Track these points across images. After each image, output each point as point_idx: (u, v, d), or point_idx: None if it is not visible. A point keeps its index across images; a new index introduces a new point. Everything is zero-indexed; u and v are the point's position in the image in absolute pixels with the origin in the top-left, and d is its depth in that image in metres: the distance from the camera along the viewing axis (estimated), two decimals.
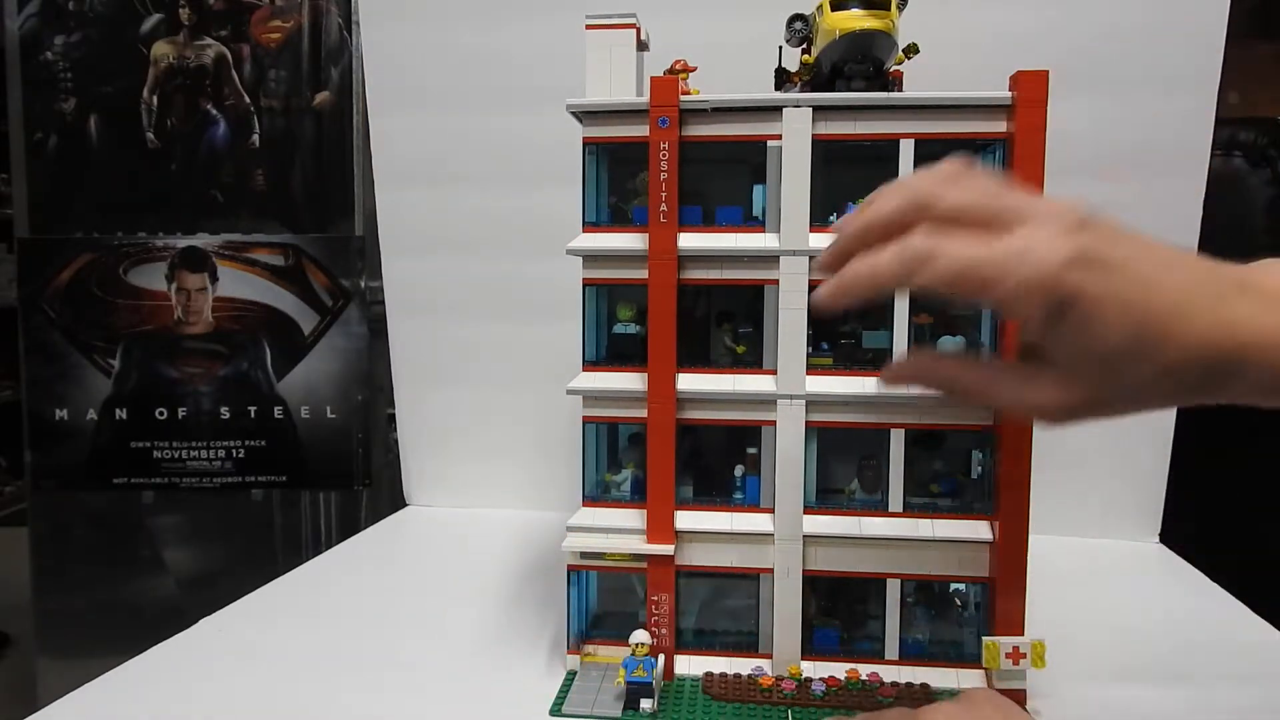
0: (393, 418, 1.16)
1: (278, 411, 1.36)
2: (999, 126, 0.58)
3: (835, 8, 0.56)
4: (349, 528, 1.33)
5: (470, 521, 1.04)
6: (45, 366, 1.38)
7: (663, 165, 0.58)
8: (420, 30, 1.00)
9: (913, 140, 0.58)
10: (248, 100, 1.37)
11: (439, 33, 0.99)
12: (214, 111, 1.37)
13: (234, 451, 1.37)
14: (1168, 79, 0.89)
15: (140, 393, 1.37)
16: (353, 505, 1.37)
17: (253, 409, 1.36)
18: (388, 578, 0.87)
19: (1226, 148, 1.25)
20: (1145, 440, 0.96)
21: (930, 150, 0.59)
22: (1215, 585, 0.84)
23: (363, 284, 1.36)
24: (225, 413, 1.37)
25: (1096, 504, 0.98)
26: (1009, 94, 0.57)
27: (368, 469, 1.37)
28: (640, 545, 0.60)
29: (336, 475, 1.37)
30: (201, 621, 0.73)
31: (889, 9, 0.56)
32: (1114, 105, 0.89)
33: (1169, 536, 0.98)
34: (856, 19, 0.55)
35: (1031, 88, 0.56)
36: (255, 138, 1.37)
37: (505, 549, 0.92)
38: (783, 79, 0.65)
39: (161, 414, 1.37)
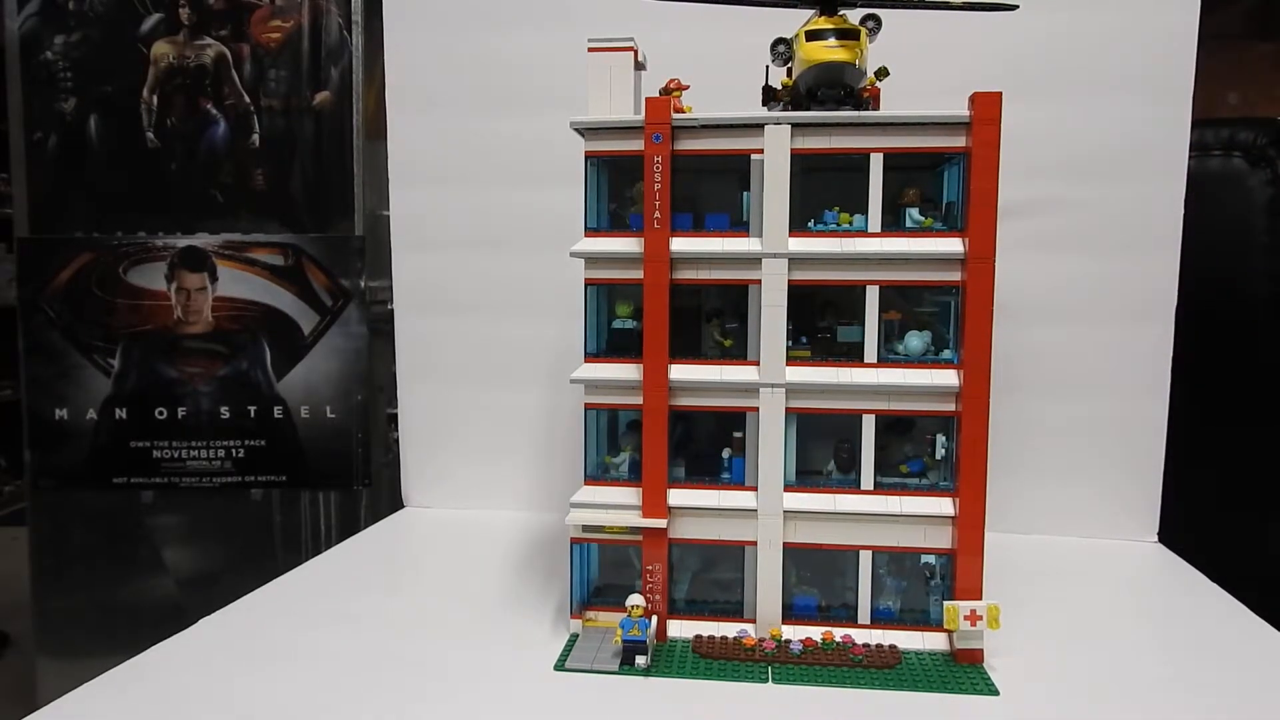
0: (392, 418, 1.28)
1: (277, 411, 1.49)
2: (959, 141, 0.71)
3: (810, 38, 0.69)
4: (349, 528, 1.45)
5: (469, 523, 1.13)
6: (45, 366, 1.50)
7: (656, 177, 0.71)
8: (439, 35, 1.14)
9: (881, 154, 0.71)
10: (248, 100, 1.49)
11: (457, 37, 1.13)
12: (214, 111, 1.49)
13: (234, 451, 1.49)
14: (1142, 83, 1.01)
15: (140, 392, 1.49)
16: (352, 505, 1.50)
17: (252, 409, 1.49)
18: (387, 578, 0.95)
19: (1226, 148, 1.37)
20: (1140, 439, 1.06)
21: (898, 161, 0.72)
22: (1214, 585, 0.91)
23: (363, 284, 1.48)
24: (225, 412, 1.49)
25: (1094, 504, 1.07)
26: (966, 113, 0.70)
27: (367, 469, 1.49)
28: (636, 519, 0.73)
29: (336, 475, 1.49)
30: (201, 621, 0.79)
31: (858, 39, 0.69)
32: (1090, 110, 1.02)
33: (1168, 536, 1.06)
34: (827, 51, 0.68)
35: (986, 107, 0.69)
36: (255, 137, 1.48)
37: (505, 549, 1.01)
38: (769, 96, 0.78)
39: (161, 414, 1.49)
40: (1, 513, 2.10)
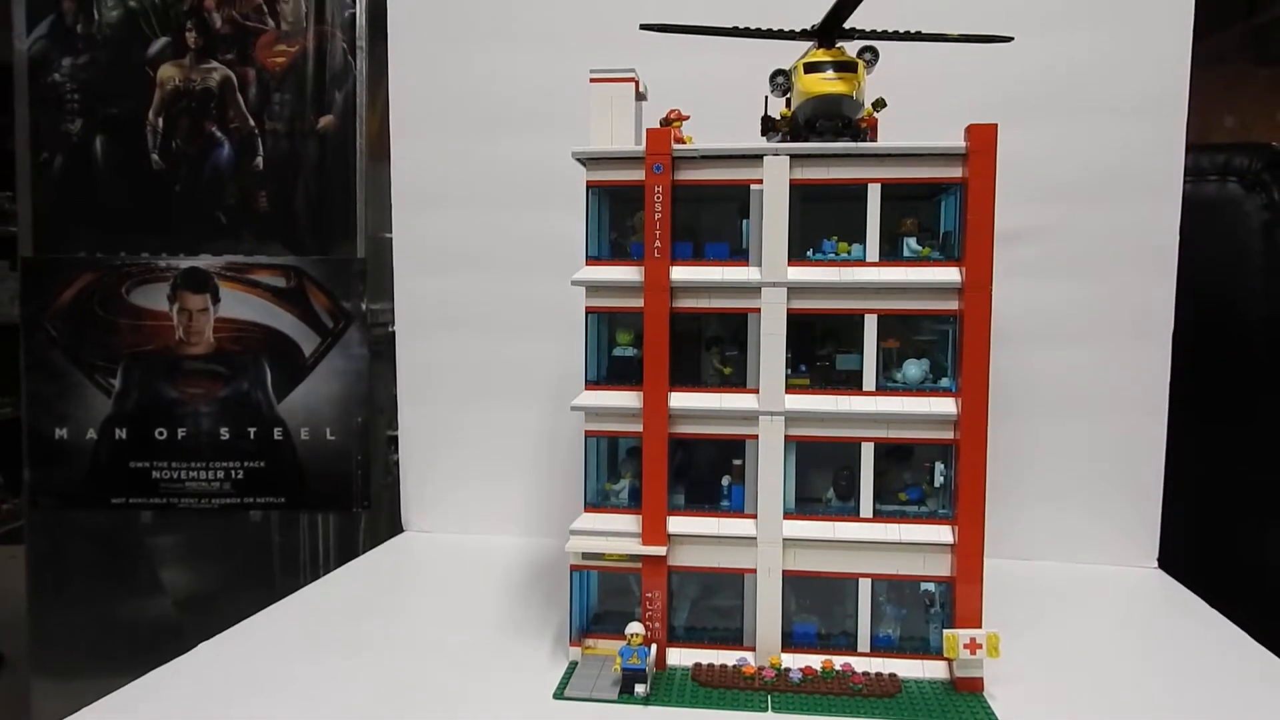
0: (392, 440, 1.28)
1: (277, 433, 1.49)
2: (955, 172, 0.71)
3: (808, 70, 0.70)
4: (347, 550, 1.45)
5: (468, 548, 1.13)
6: (46, 384, 1.50)
7: (657, 207, 0.72)
8: (443, 59, 1.15)
9: (879, 184, 0.72)
10: (252, 123, 1.50)
11: (460, 62, 1.14)
12: (218, 134, 1.50)
13: (233, 472, 1.49)
14: (1136, 108, 1.02)
15: (140, 412, 1.49)
16: (351, 527, 1.49)
17: (252, 430, 1.49)
18: (386, 603, 0.95)
19: (1221, 173, 1.38)
20: (1138, 463, 1.06)
21: (896, 191, 0.73)
22: (1214, 611, 0.91)
23: (364, 306, 1.48)
24: (225, 433, 1.49)
25: (1093, 529, 1.07)
26: (963, 144, 0.71)
27: (367, 491, 1.49)
28: (636, 547, 0.73)
29: (336, 497, 1.49)
30: (200, 645, 0.80)
31: (856, 71, 0.70)
32: (1085, 134, 1.03)
33: (1168, 561, 1.07)
34: (824, 83, 0.69)
35: (982, 139, 0.70)
36: (259, 160, 1.49)
37: (505, 575, 1.00)
38: (768, 126, 0.79)
39: (161, 434, 1.49)
40: None
